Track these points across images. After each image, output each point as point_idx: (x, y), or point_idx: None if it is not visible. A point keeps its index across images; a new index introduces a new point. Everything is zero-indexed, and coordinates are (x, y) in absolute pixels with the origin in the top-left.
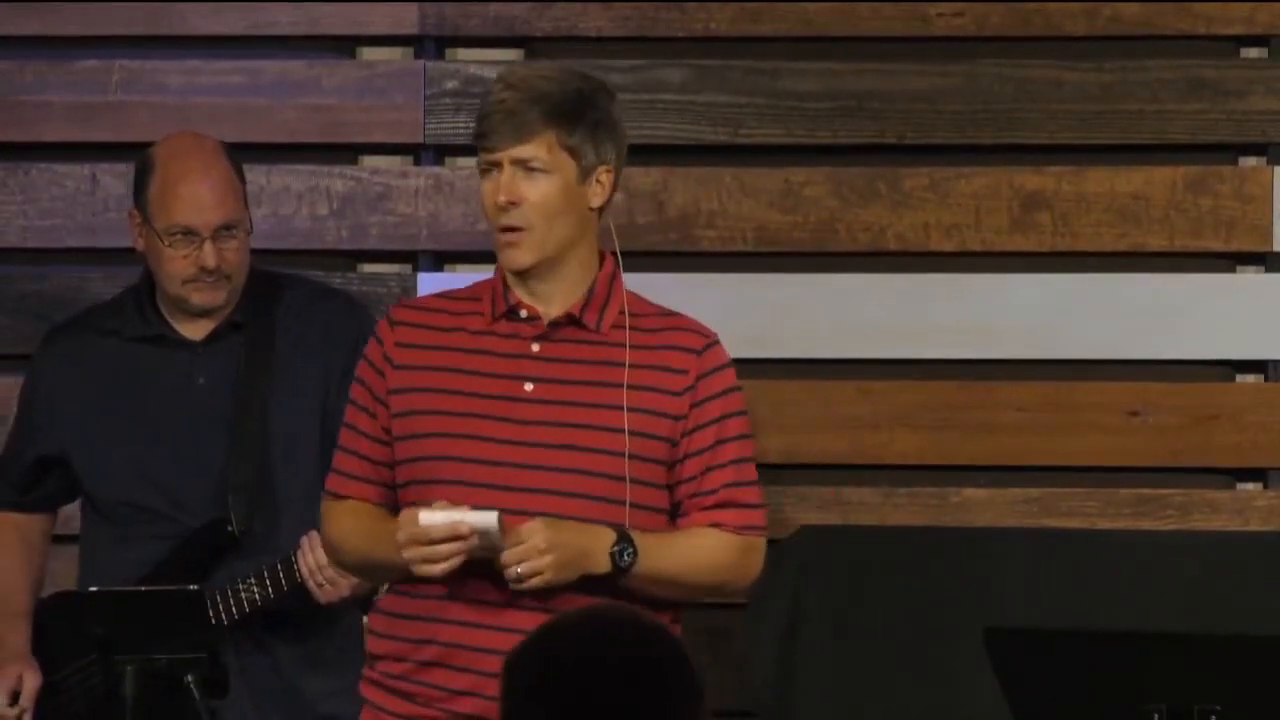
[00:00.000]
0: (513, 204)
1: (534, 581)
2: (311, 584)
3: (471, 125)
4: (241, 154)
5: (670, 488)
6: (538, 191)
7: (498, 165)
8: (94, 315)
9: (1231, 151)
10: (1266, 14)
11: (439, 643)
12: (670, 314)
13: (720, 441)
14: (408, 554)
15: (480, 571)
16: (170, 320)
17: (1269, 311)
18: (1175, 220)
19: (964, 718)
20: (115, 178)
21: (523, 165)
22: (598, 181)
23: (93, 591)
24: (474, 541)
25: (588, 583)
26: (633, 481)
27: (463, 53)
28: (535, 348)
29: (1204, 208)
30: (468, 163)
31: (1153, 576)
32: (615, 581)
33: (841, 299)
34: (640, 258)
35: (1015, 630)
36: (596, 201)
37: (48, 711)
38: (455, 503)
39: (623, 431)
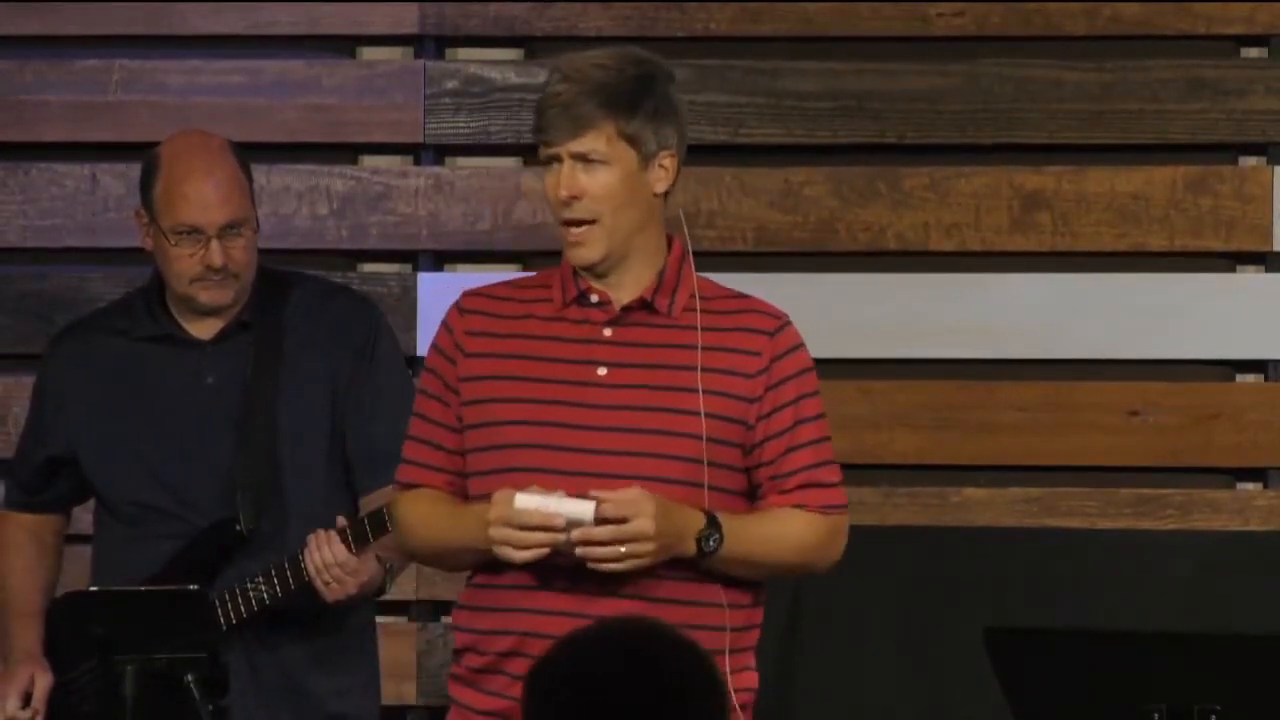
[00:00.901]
0: (574, 198)
1: (628, 565)
2: (319, 582)
3: (471, 125)
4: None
5: (747, 470)
6: (598, 183)
7: (557, 159)
8: (103, 315)
9: (1231, 151)
10: (1266, 14)
11: (516, 632)
12: (741, 296)
13: (799, 422)
14: (495, 533)
15: (557, 558)
16: (179, 319)
17: (1269, 311)
18: (1175, 220)
19: (964, 718)
20: (115, 178)
21: (582, 158)
22: (660, 166)
23: (93, 591)
24: (561, 538)
25: (666, 564)
26: (710, 464)
27: (463, 53)
28: (607, 332)
29: (1204, 208)
30: (468, 163)
31: (1153, 576)
32: (698, 563)
33: (841, 299)
34: None
35: (1015, 630)
36: (660, 187)
37: (60, 712)
38: (551, 489)
39: (698, 414)
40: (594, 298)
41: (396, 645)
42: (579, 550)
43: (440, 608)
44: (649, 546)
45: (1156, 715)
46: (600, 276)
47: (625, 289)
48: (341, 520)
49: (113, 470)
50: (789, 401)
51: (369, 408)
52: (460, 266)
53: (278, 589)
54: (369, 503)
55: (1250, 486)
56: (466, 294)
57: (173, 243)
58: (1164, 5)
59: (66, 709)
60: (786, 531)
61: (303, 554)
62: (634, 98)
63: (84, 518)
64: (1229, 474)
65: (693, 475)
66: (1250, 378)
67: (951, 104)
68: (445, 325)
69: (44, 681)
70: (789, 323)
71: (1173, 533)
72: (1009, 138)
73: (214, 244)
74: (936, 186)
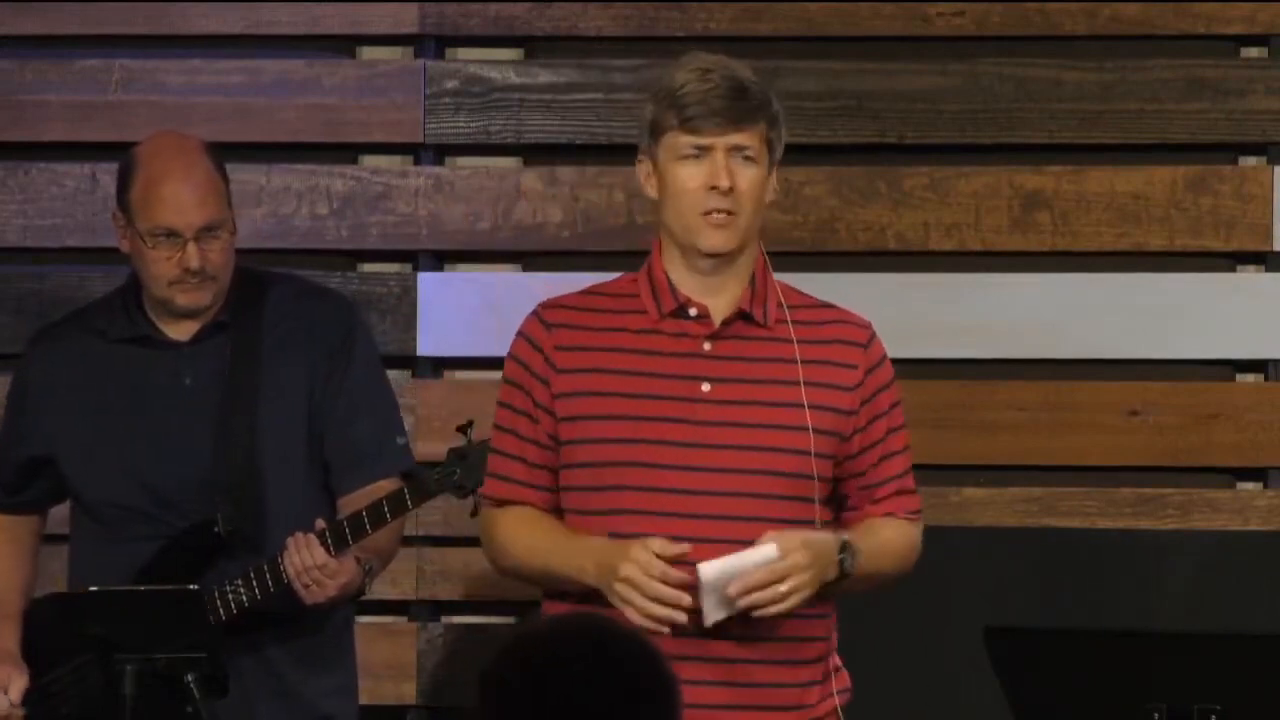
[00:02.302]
0: (732, 189)
1: (793, 601)
2: (298, 585)
3: (471, 125)
4: (241, 154)
5: (833, 480)
6: (747, 180)
7: (707, 150)
8: (82, 316)
9: (1231, 151)
10: (1266, 14)
11: None
12: (825, 305)
13: (890, 431)
14: (621, 590)
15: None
16: (156, 321)
17: (1269, 311)
18: (1175, 220)
19: (964, 718)
20: (115, 178)
21: (739, 152)
22: (773, 175)
23: (93, 591)
24: (681, 618)
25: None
26: (818, 479)
27: (463, 53)
28: (707, 346)
29: (1204, 207)
30: (468, 162)
31: (1153, 576)
32: (832, 587)
33: (841, 299)
34: (641, 257)
35: (1015, 630)
36: (770, 196)
37: (39, 714)
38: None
39: (805, 430)
40: (692, 311)
41: (396, 645)
42: (742, 602)
43: (440, 608)
44: (807, 577)
45: (1156, 715)
46: (706, 277)
47: (723, 296)
48: (321, 523)
49: (91, 471)
50: (883, 412)
51: (346, 409)
52: (460, 266)
53: (257, 591)
54: (347, 504)
55: (1250, 486)
56: (545, 306)
57: (150, 245)
58: (1164, 5)
59: (44, 711)
60: (892, 542)
61: (282, 557)
62: (773, 104)
63: (60, 514)
64: (1229, 474)
65: (800, 491)
66: (1250, 378)
67: (951, 104)
68: (528, 340)
69: (20, 683)
70: (875, 332)
71: (1173, 533)
72: (1009, 138)
73: (191, 246)
74: (936, 186)
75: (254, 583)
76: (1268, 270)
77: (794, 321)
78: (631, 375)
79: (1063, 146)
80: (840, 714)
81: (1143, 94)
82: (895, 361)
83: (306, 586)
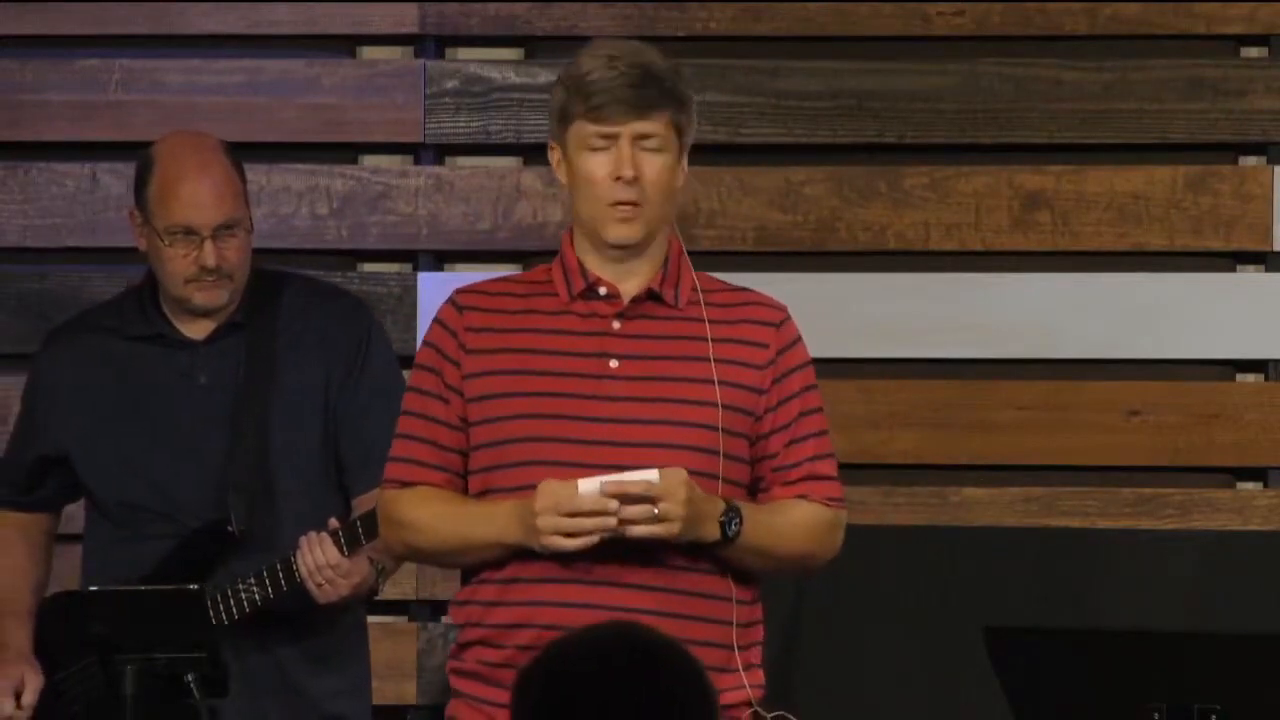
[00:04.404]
0: (637, 178)
1: (657, 530)
2: (311, 584)
3: (471, 125)
4: (241, 154)
5: (750, 462)
6: (654, 168)
7: (613, 139)
8: (96, 314)
9: (1231, 151)
10: (1266, 14)
11: (538, 625)
12: (740, 289)
13: (803, 414)
14: (545, 522)
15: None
16: (172, 320)
17: (1269, 311)
18: (1175, 220)
19: (964, 718)
20: (115, 177)
21: (644, 141)
22: (683, 161)
23: (93, 591)
24: (613, 522)
25: (680, 552)
26: (724, 455)
27: (463, 52)
28: (616, 325)
29: (1204, 207)
30: (468, 162)
31: (1153, 576)
32: (716, 551)
33: (842, 298)
34: None
35: (1015, 630)
36: (680, 181)
37: (49, 713)
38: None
39: (714, 405)
40: (602, 290)
41: (396, 645)
42: (620, 511)
43: (440, 608)
44: (681, 511)
45: (1156, 715)
46: (617, 264)
47: (633, 280)
48: (334, 522)
49: (103, 470)
50: (795, 394)
51: (362, 409)
52: (460, 266)
53: (270, 590)
54: (362, 504)
55: (1250, 486)
56: (460, 292)
57: (167, 243)
58: (1164, 5)
59: (56, 710)
60: (796, 521)
61: (295, 556)
62: (684, 89)
63: (77, 516)
64: (1229, 474)
65: (706, 466)
66: (1250, 378)
67: (951, 104)
68: (442, 324)
69: (35, 681)
70: (789, 314)
71: (1173, 532)
72: (1009, 138)
73: (208, 244)
74: (936, 186)
75: (266, 581)
76: (1268, 270)
77: (707, 304)
78: (539, 354)
79: (1063, 146)
80: (752, 704)
81: (1143, 94)
82: (895, 361)
83: (319, 586)
